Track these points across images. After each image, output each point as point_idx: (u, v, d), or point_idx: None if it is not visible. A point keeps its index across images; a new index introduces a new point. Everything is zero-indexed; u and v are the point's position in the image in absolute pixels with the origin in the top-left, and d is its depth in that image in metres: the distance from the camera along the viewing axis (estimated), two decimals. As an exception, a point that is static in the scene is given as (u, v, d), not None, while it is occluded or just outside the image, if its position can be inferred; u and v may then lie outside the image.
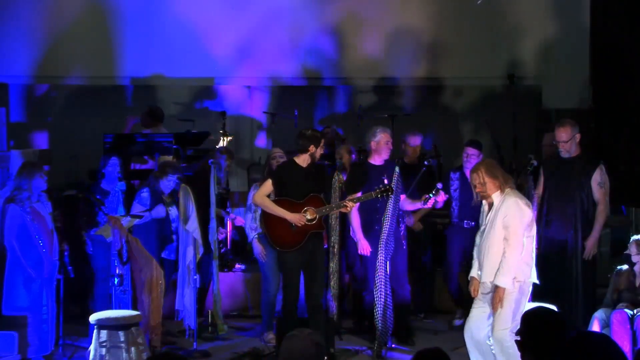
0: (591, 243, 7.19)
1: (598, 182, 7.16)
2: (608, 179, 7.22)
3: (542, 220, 7.19)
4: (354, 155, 8.41)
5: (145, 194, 7.55)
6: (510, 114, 8.98)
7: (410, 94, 10.96)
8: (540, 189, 7.30)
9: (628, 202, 8.61)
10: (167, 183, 7.52)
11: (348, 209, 7.06)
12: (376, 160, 7.59)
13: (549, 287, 7.04)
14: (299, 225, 6.89)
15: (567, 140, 7.15)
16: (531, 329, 3.80)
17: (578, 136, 7.20)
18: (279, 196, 7.02)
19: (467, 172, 7.58)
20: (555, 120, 7.41)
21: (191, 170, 8.70)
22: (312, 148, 6.98)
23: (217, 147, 9.33)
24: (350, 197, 7.10)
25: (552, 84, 10.40)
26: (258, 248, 7.64)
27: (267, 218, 7.05)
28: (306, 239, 6.94)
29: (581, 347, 3.41)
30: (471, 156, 7.78)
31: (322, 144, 7.06)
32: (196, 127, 9.75)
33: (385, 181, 7.21)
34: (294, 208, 6.92)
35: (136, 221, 7.33)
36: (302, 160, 7.04)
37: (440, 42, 10.45)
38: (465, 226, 7.86)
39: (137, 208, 7.48)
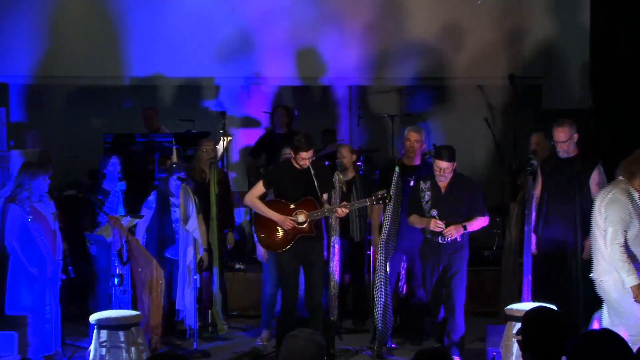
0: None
1: (596, 182, 7.13)
2: (606, 179, 7.21)
3: (542, 221, 7.18)
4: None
5: (152, 197, 7.55)
6: (510, 114, 8.99)
7: (411, 94, 10.96)
8: (538, 189, 7.28)
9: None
10: (174, 184, 7.50)
11: (339, 214, 6.97)
12: (408, 161, 7.53)
13: (549, 287, 7.05)
14: (286, 228, 6.86)
15: (565, 140, 7.14)
16: (532, 329, 3.80)
17: (576, 136, 7.19)
18: (276, 197, 7.01)
19: (441, 185, 7.10)
20: (555, 120, 7.39)
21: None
22: (291, 153, 6.91)
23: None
24: (343, 203, 7.05)
25: (552, 84, 10.40)
26: (261, 249, 7.57)
27: (257, 219, 7.04)
28: (295, 242, 6.88)
29: (588, 344, 3.44)
30: (445, 170, 6.89)
31: (301, 156, 6.74)
32: (196, 127, 9.75)
33: (412, 183, 7.15)
34: (287, 210, 6.89)
35: (136, 221, 7.34)
36: (294, 162, 7.00)
37: (440, 42, 10.44)
38: (441, 241, 6.91)
39: (143, 212, 7.48)
